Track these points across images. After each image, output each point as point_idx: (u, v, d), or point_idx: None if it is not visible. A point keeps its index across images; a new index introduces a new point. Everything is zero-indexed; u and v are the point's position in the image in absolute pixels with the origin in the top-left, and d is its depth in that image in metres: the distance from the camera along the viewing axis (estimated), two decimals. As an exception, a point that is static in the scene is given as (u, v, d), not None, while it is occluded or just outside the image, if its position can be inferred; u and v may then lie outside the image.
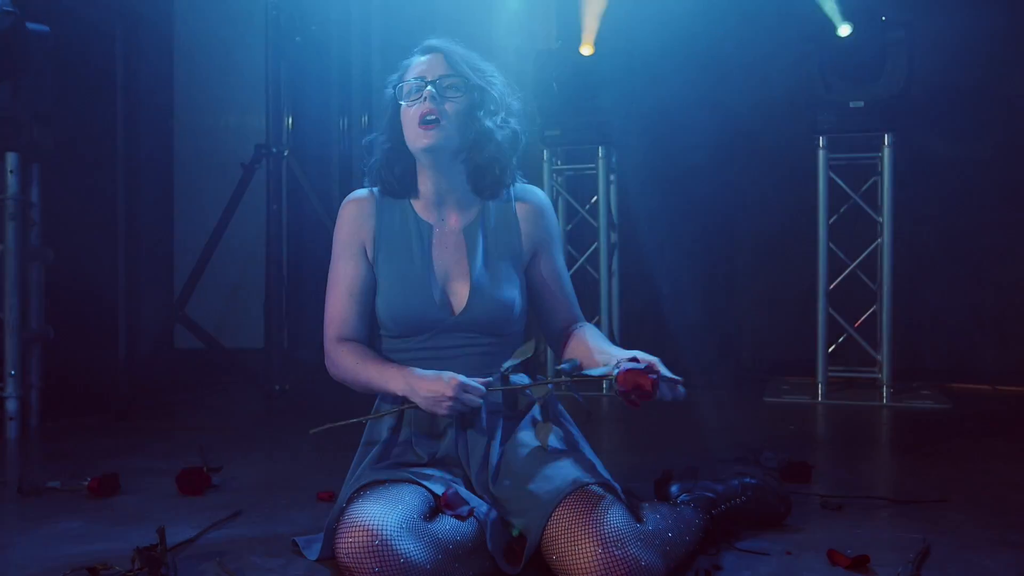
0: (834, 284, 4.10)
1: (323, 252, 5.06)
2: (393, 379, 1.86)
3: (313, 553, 1.92)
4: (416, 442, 1.92)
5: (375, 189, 2.02)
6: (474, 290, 1.93)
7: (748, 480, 2.12)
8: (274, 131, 4.02)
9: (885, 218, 3.99)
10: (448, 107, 1.90)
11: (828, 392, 4.03)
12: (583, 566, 1.63)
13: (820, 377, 4.05)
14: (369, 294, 1.96)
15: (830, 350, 4.09)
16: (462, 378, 1.80)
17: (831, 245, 4.07)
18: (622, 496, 1.79)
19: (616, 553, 1.62)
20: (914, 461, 2.90)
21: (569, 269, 4.59)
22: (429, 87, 1.90)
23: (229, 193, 4.63)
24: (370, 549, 1.60)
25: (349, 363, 1.92)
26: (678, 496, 2.03)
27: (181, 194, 5.26)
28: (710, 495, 2.04)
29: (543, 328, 2.08)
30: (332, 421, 1.90)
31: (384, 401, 1.99)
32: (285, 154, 3.99)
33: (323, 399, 4.11)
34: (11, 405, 3.31)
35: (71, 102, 4.44)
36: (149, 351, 5.13)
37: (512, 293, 1.96)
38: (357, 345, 1.94)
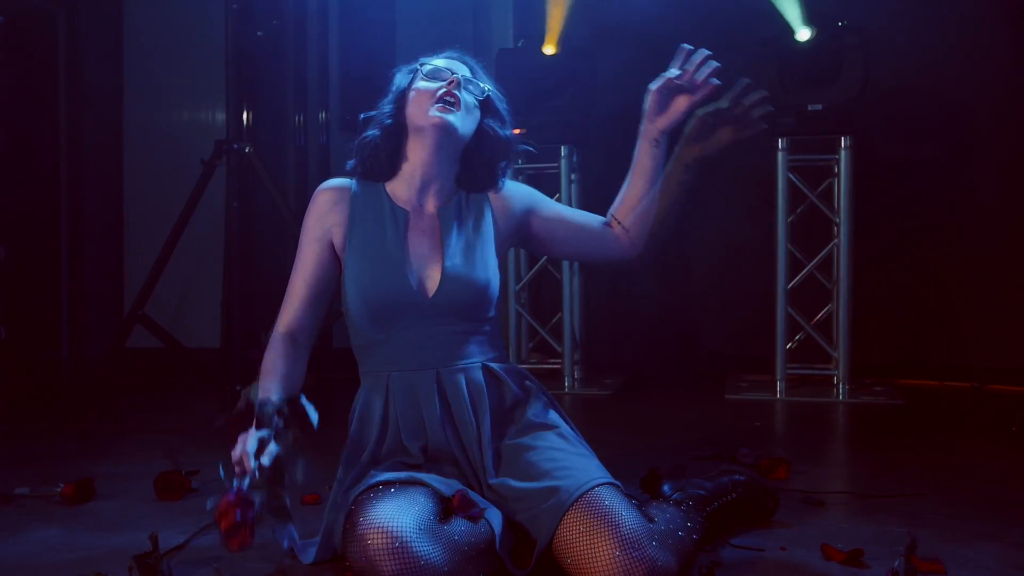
0: (792, 283, 4.18)
1: (283, 249, 5.01)
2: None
3: (309, 556, 1.89)
4: (404, 435, 1.92)
5: (353, 178, 2.03)
6: (446, 272, 1.93)
7: (737, 477, 2.16)
8: (235, 127, 3.95)
9: (842, 219, 4.09)
10: (468, 99, 1.96)
11: (786, 389, 4.11)
12: (601, 568, 1.64)
13: (779, 374, 4.13)
14: (325, 282, 1.97)
15: (788, 347, 4.18)
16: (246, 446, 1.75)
17: (789, 245, 4.15)
18: (629, 495, 1.81)
19: (634, 555, 1.64)
20: (880, 456, 2.97)
21: (531, 269, 4.64)
22: (457, 75, 1.96)
23: (181, 188, 4.56)
24: (389, 551, 1.59)
25: (265, 362, 1.93)
26: (671, 495, 2.05)
27: (131, 189, 5.14)
28: (702, 493, 2.06)
29: (597, 258, 2.09)
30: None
31: (367, 407, 1.97)
32: (247, 150, 3.92)
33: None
34: (-36, 408, 3.20)
35: (8, 92, 4.31)
36: (98, 351, 5.01)
37: (485, 275, 1.96)
38: (284, 347, 1.93)
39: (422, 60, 2.02)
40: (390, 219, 1.96)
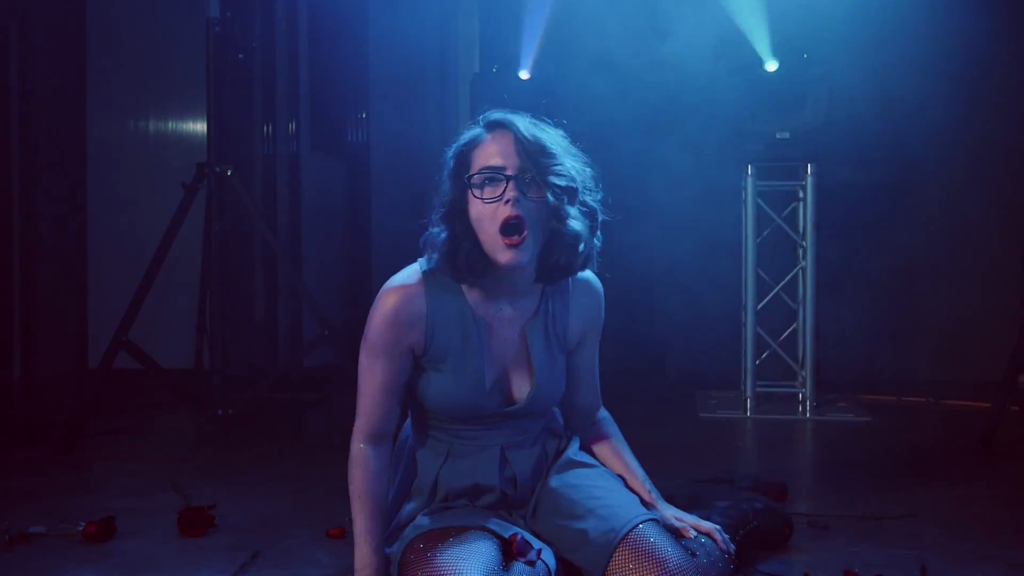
0: (761, 304, 4.34)
1: (252, 270, 4.94)
2: (358, 550, 1.85)
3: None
4: (452, 497, 1.94)
5: (423, 272, 1.88)
6: (537, 387, 1.92)
7: (756, 505, 2.27)
8: (216, 149, 3.92)
9: (808, 242, 4.26)
10: (531, 208, 1.78)
11: (755, 406, 4.26)
12: None
13: (748, 392, 4.28)
14: (405, 384, 1.89)
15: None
16: None
17: (759, 271, 4.32)
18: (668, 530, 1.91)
19: None
20: (863, 476, 3.12)
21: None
22: (511, 184, 1.77)
23: (149, 204, 4.64)
24: None
25: (355, 484, 1.86)
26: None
27: (95, 205, 5.04)
28: (728, 522, 2.16)
29: (565, 402, 2.06)
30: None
31: (418, 463, 1.97)
32: (229, 173, 3.90)
33: (268, 423, 4.05)
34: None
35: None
36: (52, 372, 4.91)
37: (564, 383, 1.99)
38: (376, 463, 1.87)
39: (466, 137, 1.85)
40: (472, 329, 1.87)
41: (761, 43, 4.20)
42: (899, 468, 3.23)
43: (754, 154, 4.26)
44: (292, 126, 5.19)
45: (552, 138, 1.86)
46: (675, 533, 1.94)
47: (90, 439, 3.66)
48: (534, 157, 1.79)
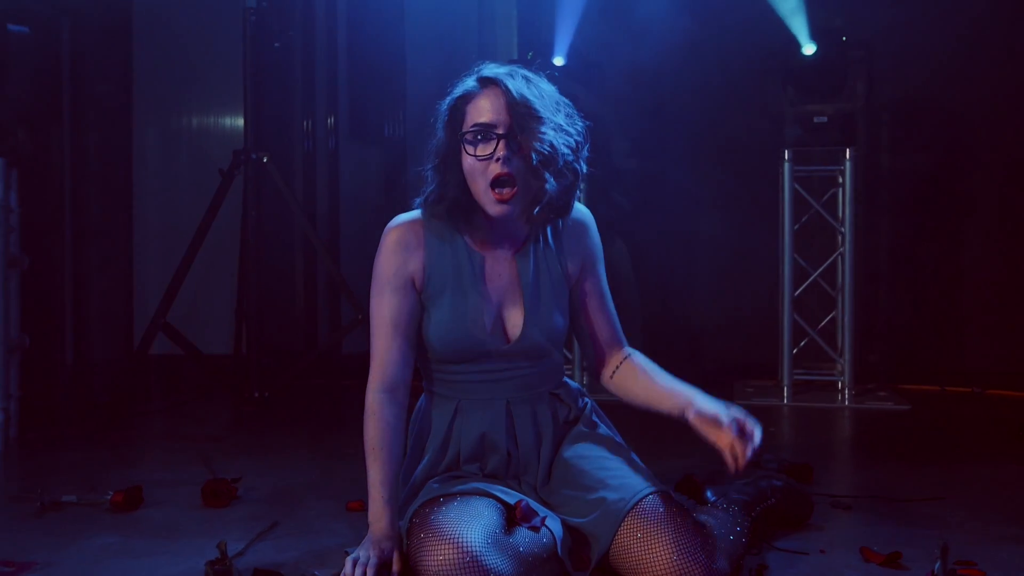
0: (798, 292, 4.29)
1: (292, 257, 5.01)
2: (372, 502, 1.86)
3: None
4: (464, 456, 1.96)
5: (421, 212, 1.95)
6: (528, 319, 1.94)
7: (775, 483, 2.25)
8: (253, 137, 3.99)
9: (847, 228, 4.20)
10: (520, 165, 1.83)
11: (792, 394, 4.21)
12: (659, 572, 1.72)
13: (785, 380, 4.22)
14: (415, 325, 1.94)
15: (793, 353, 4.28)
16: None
17: (795, 255, 4.26)
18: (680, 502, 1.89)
19: (690, 559, 1.72)
20: (895, 461, 3.07)
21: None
22: (502, 144, 1.82)
23: (191, 192, 4.72)
24: (460, 564, 1.65)
25: (369, 435, 1.88)
26: (715, 501, 2.14)
27: (141, 194, 5.16)
28: (745, 499, 2.15)
29: (583, 348, 2.11)
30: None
31: (430, 425, 2.00)
32: (265, 160, 3.97)
33: (304, 406, 4.11)
34: (-1, 417, 3.23)
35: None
36: (102, 356, 5.04)
37: (561, 318, 1.99)
38: (389, 413, 1.89)
39: (458, 91, 1.89)
40: (467, 264, 1.93)
41: (799, 26, 4.15)
42: (931, 453, 3.17)
43: (791, 139, 4.21)
44: (331, 120, 5.25)
45: (542, 97, 1.86)
46: (697, 499, 1.95)
47: (130, 419, 3.75)
48: (523, 120, 1.82)
